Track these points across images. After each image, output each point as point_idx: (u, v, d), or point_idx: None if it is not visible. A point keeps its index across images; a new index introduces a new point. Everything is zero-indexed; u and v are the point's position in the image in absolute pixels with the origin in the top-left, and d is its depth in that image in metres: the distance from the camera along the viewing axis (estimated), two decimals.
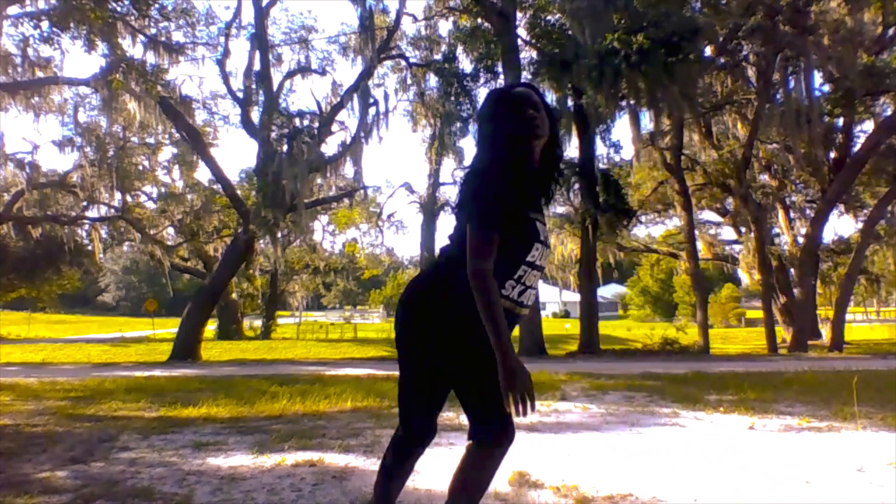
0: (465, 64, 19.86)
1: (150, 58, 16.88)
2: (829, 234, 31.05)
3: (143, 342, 24.71)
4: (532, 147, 1.94)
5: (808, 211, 22.22)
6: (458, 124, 20.19)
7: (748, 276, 23.00)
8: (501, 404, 1.81)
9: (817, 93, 16.90)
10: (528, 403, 1.75)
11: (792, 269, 19.76)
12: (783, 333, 18.73)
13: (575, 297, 28.31)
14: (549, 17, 17.80)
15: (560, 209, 20.91)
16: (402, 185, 23.64)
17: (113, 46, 15.24)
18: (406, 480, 2.24)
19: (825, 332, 18.40)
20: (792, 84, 16.33)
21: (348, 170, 19.76)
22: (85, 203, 23.25)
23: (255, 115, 18.43)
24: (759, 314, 22.50)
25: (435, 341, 1.90)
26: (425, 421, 2.08)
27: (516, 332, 17.32)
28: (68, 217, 22.86)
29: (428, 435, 2.10)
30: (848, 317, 20.31)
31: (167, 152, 23.42)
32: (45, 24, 14.39)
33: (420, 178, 44.19)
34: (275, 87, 18.52)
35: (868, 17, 15.64)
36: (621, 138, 51.78)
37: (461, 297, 1.81)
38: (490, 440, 1.92)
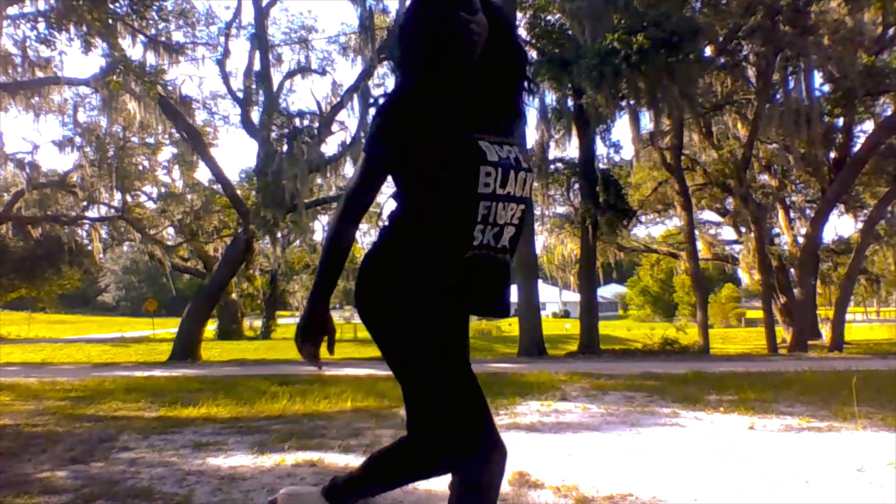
0: None
1: (150, 58, 16.92)
2: (829, 234, 31.06)
3: (143, 342, 24.72)
4: (468, 58, 1.55)
5: (808, 211, 22.23)
6: None
7: (748, 276, 23.04)
8: (459, 415, 1.52)
9: (817, 93, 16.92)
10: (312, 362, 1.59)
11: (792, 269, 19.77)
12: (783, 333, 18.73)
13: (575, 297, 28.31)
14: (549, 17, 17.79)
15: (560, 209, 20.93)
16: None
17: (112, 47, 15.25)
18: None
19: (825, 332, 18.41)
20: (792, 84, 16.34)
21: (348, 170, 19.75)
22: (85, 203, 23.26)
23: (255, 115, 18.45)
24: (759, 314, 22.50)
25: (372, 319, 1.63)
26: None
27: (515, 331, 17.34)
28: (68, 217, 22.86)
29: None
30: (848, 317, 20.31)
31: (167, 152, 23.46)
32: (41, 26, 14.40)
33: None
34: (275, 87, 18.53)
35: (868, 17, 15.64)
36: (621, 138, 51.82)
37: (398, 266, 1.54)
38: (422, 452, 1.63)
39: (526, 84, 1.69)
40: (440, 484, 3.03)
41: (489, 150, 1.49)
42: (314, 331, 1.59)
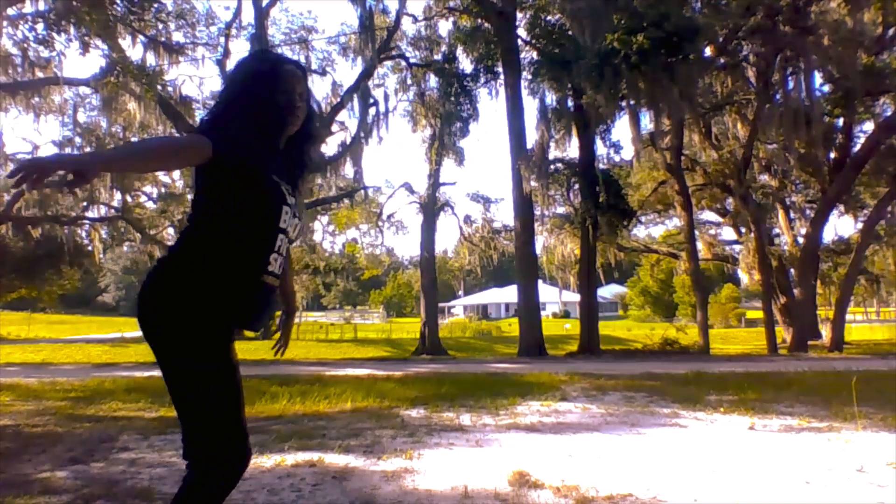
0: (465, 64, 19.86)
1: (150, 58, 16.90)
2: (829, 234, 31.06)
3: (143, 342, 24.68)
4: (280, 129, 1.83)
5: (808, 211, 22.22)
6: (458, 124, 20.17)
7: (748, 277, 23.00)
8: (222, 423, 1.69)
9: (817, 93, 16.91)
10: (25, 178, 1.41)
11: (792, 270, 19.75)
12: (783, 333, 18.72)
13: (575, 297, 28.28)
14: (549, 17, 17.80)
15: (560, 209, 20.91)
16: (402, 186, 23.58)
17: (112, 47, 15.24)
18: None
19: (825, 332, 18.40)
20: (792, 84, 16.33)
21: (348, 170, 19.78)
22: (85, 203, 23.24)
23: None
24: (759, 314, 22.50)
25: None
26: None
27: (515, 331, 17.35)
28: (68, 217, 22.85)
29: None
30: (848, 317, 20.30)
31: None
32: (40, 27, 14.36)
33: (420, 178, 44.12)
34: None
35: (868, 17, 15.63)
36: (621, 138, 51.74)
37: (185, 284, 1.66)
38: (209, 467, 1.67)
39: (299, 167, 1.92)
40: (441, 484, 3.04)
41: (287, 193, 1.77)
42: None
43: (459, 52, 19.42)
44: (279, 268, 1.78)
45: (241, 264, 1.68)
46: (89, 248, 26.63)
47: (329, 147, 19.15)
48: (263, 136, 1.79)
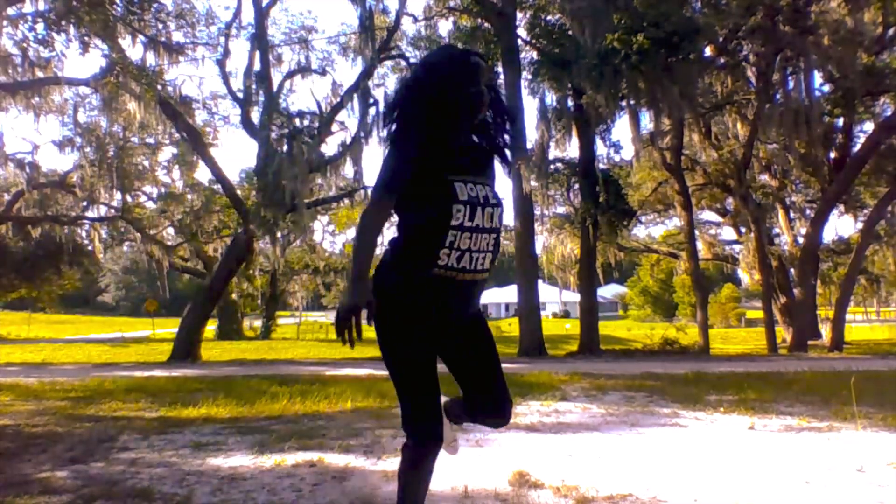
0: None
1: (150, 58, 16.87)
2: (829, 234, 30.99)
3: (143, 342, 24.73)
4: (462, 119, 1.96)
5: (808, 211, 22.22)
6: None
7: (748, 276, 23.02)
8: (409, 403, 1.91)
9: (817, 93, 16.90)
10: (348, 340, 1.80)
11: (792, 269, 19.76)
12: (783, 333, 18.72)
13: (575, 297, 28.29)
14: (549, 17, 17.79)
15: (560, 209, 20.91)
16: None
17: (112, 47, 15.24)
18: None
19: (825, 332, 18.40)
20: (792, 84, 16.32)
21: (348, 170, 19.70)
22: (85, 203, 23.23)
23: (255, 115, 18.39)
24: (759, 314, 22.51)
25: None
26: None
27: (515, 331, 17.35)
28: (68, 217, 22.84)
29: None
30: (848, 317, 20.30)
31: (167, 152, 23.38)
32: (40, 27, 14.33)
33: None
34: (275, 87, 18.48)
35: (868, 17, 15.63)
36: (621, 138, 51.76)
37: (381, 280, 1.93)
38: (407, 438, 1.97)
39: (508, 139, 2.11)
40: (441, 484, 3.03)
41: (463, 190, 1.88)
42: (345, 317, 1.80)
43: None
44: (460, 262, 1.88)
45: (410, 261, 1.90)
46: (89, 248, 26.62)
47: (329, 147, 19.10)
48: (449, 135, 1.94)
